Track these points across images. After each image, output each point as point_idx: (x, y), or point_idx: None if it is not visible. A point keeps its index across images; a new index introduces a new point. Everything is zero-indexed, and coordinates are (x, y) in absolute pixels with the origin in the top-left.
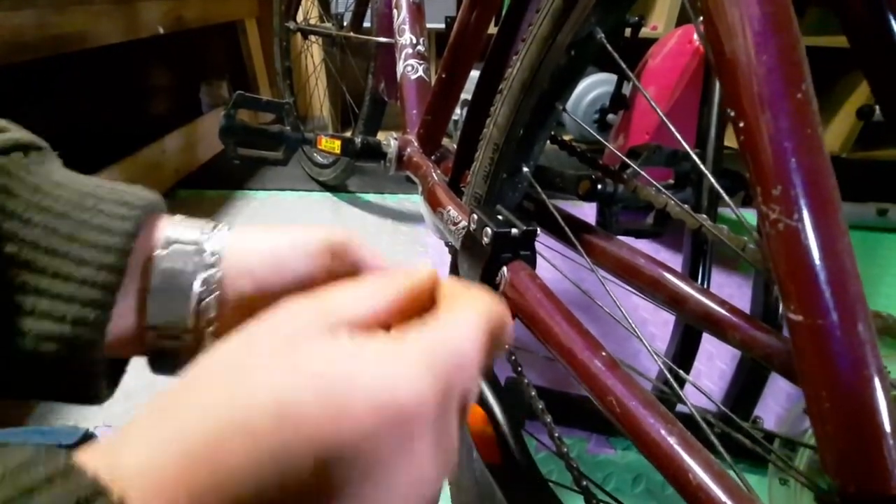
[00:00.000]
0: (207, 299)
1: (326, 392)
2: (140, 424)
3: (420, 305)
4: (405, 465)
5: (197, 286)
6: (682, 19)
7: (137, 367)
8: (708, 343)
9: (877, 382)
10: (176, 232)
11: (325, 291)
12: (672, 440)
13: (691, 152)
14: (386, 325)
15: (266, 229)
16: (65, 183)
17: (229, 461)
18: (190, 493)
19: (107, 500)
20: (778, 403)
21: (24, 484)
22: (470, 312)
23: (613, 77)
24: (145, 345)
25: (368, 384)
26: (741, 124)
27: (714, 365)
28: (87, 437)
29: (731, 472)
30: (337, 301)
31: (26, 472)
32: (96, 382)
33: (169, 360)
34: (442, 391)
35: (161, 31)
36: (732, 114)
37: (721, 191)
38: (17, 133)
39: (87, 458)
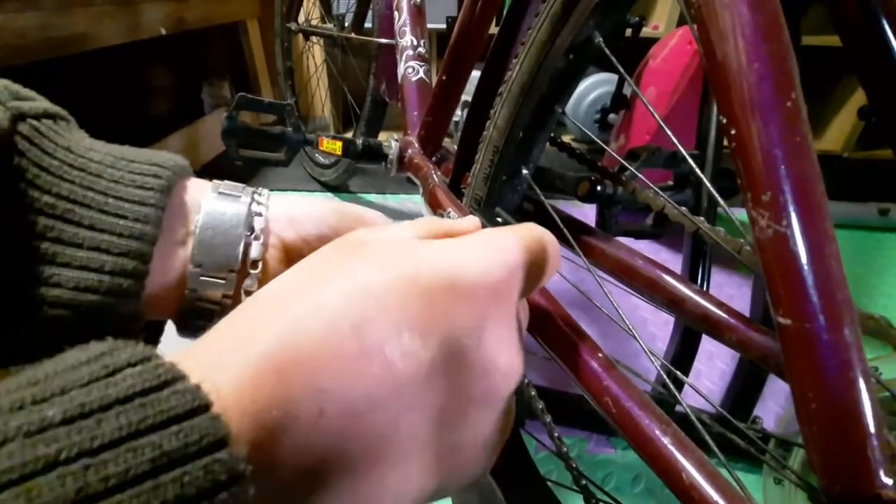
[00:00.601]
0: (253, 242)
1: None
2: (228, 326)
3: None
4: (504, 331)
5: (242, 229)
6: (684, 20)
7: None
8: (708, 343)
9: (862, 384)
10: (219, 186)
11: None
12: (666, 440)
13: (688, 157)
14: None
15: (304, 198)
16: (96, 147)
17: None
18: (280, 379)
19: (187, 382)
20: (777, 404)
21: (107, 365)
22: (508, 230)
23: (615, 77)
24: (181, 304)
25: (474, 264)
26: (733, 131)
27: (714, 365)
28: None
29: (726, 472)
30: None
31: (109, 356)
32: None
33: (199, 322)
34: (504, 275)
35: (163, 32)
36: (724, 120)
37: (717, 196)
38: (46, 103)
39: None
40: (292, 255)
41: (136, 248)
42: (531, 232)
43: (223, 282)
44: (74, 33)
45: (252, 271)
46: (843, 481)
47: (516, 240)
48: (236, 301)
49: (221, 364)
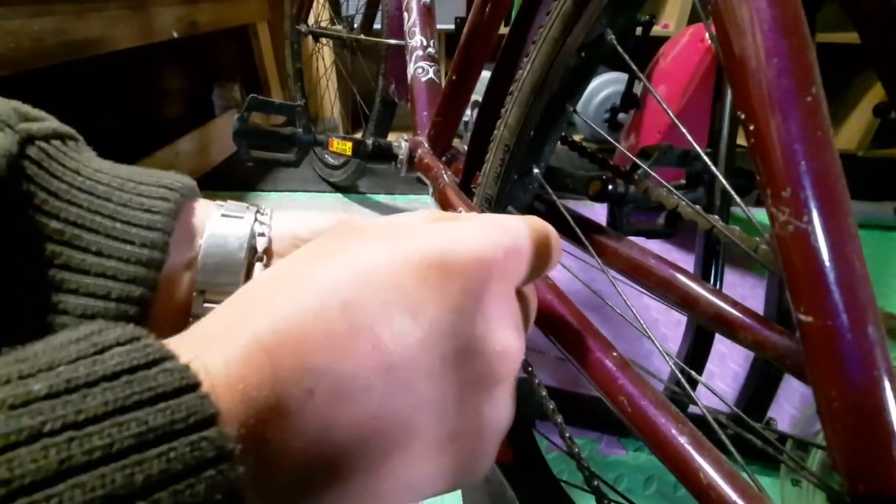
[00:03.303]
0: (256, 264)
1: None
2: (220, 311)
3: None
4: (502, 305)
5: (245, 251)
6: (694, 18)
7: None
8: (721, 344)
9: (886, 383)
10: (223, 207)
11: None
12: (683, 440)
13: (702, 153)
14: None
15: (309, 212)
16: (104, 169)
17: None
18: (277, 362)
19: (175, 362)
20: (792, 405)
21: (96, 343)
22: (512, 216)
23: (624, 76)
24: (185, 327)
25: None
26: (751, 127)
27: (727, 366)
28: None
29: (743, 473)
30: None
31: (98, 335)
32: None
33: None
34: (499, 255)
35: (175, 35)
36: (743, 116)
37: (733, 192)
38: (55, 123)
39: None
40: None
41: (143, 274)
42: (535, 220)
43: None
44: (89, 37)
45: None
46: (868, 481)
47: (519, 222)
48: None
49: (212, 345)
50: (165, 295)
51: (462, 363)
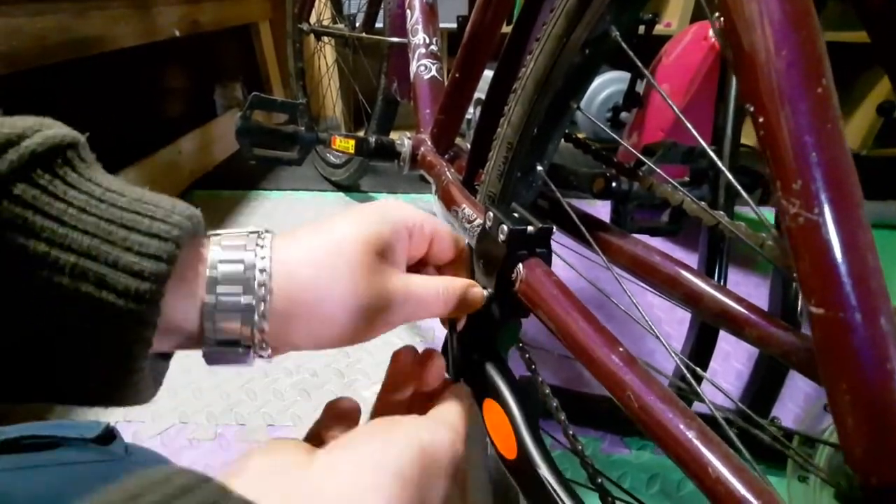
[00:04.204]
0: (260, 323)
1: None
2: None
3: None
4: None
5: (249, 306)
6: (697, 16)
7: None
8: (724, 342)
9: None
10: (221, 254)
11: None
12: (690, 434)
13: (708, 149)
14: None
15: (311, 233)
16: (97, 196)
17: None
18: None
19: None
20: (796, 404)
21: (164, 492)
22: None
23: (626, 75)
24: (203, 347)
25: None
26: (761, 119)
27: (730, 364)
28: (109, 431)
29: (752, 469)
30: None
31: (163, 484)
32: (141, 386)
33: (225, 358)
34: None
35: (177, 34)
36: (751, 109)
37: (739, 187)
38: (62, 129)
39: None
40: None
41: (132, 338)
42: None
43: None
44: (92, 35)
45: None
46: (880, 475)
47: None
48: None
49: None
50: (177, 320)
51: None
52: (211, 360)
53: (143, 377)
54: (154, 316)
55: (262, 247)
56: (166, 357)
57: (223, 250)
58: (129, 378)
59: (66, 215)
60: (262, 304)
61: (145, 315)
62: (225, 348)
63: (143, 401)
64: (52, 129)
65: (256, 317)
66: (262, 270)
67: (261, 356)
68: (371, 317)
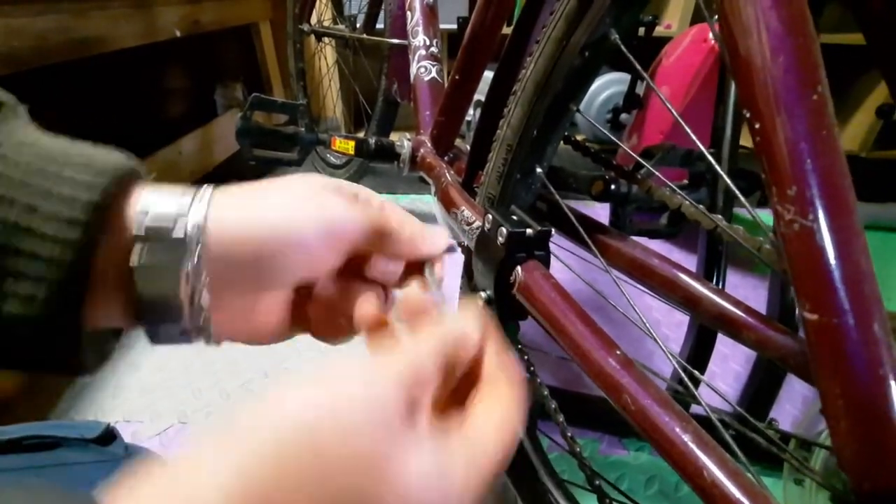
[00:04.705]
0: (195, 281)
1: None
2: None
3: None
4: None
5: (183, 266)
6: (697, 18)
7: (155, 364)
8: (722, 345)
9: (892, 381)
10: (153, 206)
11: (398, 357)
12: (686, 438)
13: (706, 152)
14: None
15: (252, 193)
16: (27, 143)
17: None
18: None
19: None
20: (794, 406)
21: None
22: (511, 416)
23: (626, 76)
24: (139, 318)
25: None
26: (757, 125)
27: (728, 367)
28: (109, 431)
29: (746, 472)
30: (417, 380)
31: None
32: (80, 356)
33: (166, 332)
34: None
35: (178, 34)
36: (748, 115)
37: (737, 191)
38: None
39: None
40: (246, 265)
41: (66, 277)
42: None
43: (173, 316)
44: (92, 35)
45: (201, 296)
46: (873, 479)
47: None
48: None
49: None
50: (108, 288)
51: None
52: (149, 331)
53: (79, 340)
54: (86, 253)
55: (200, 200)
56: (115, 334)
57: (157, 195)
58: (62, 338)
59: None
60: (196, 248)
61: (79, 252)
62: (159, 313)
63: (86, 369)
64: None
65: (188, 264)
66: (196, 227)
67: (199, 329)
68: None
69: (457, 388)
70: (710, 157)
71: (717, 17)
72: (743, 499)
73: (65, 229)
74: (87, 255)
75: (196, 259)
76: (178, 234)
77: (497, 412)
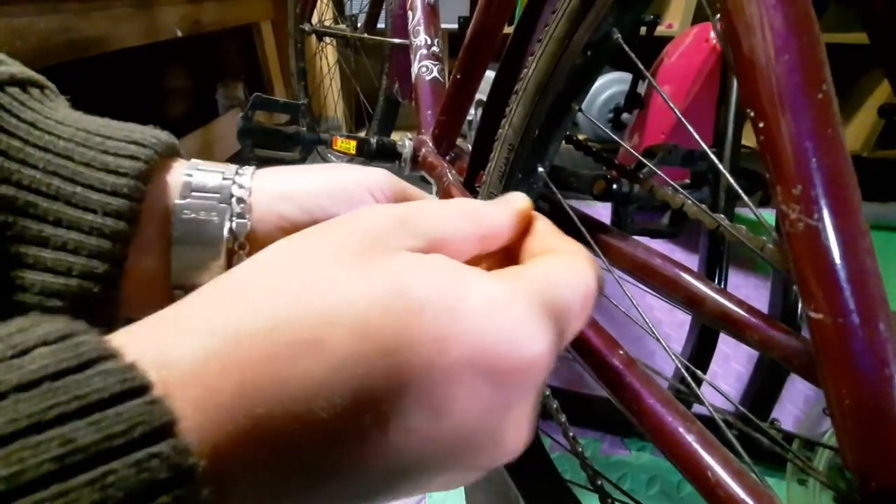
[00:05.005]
0: (238, 252)
1: (428, 314)
2: (188, 308)
3: (506, 239)
4: (480, 432)
5: (224, 237)
6: (698, 18)
7: None
8: (724, 345)
9: None
10: (196, 177)
11: (406, 205)
12: (690, 438)
13: (709, 151)
14: (474, 258)
15: (297, 171)
16: (67, 121)
17: (289, 370)
18: (239, 392)
19: (117, 361)
20: (796, 406)
21: (16, 345)
22: (580, 261)
23: (627, 76)
24: (169, 298)
25: (474, 322)
26: (761, 124)
27: (730, 367)
28: None
29: (751, 472)
30: (424, 215)
31: (20, 334)
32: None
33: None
34: (551, 352)
35: (179, 34)
36: (752, 114)
37: (739, 190)
38: (14, 67)
39: (120, 338)
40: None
41: (107, 248)
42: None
43: (210, 270)
44: (94, 36)
45: (240, 251)
46: (879, 479)
47: (586, 275)
48: None
49: (177, 338)
50: (138, 265)
51: (463, 458)
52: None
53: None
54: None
55: (241, 174)
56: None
57: (201, 164)
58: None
59: (43, 134)
60: (239, 206)
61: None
62: (195, 278)
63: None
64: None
65: (231, 222)
66: (239, 200)
67: (241, 219)
68: None
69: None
70: (713, 156)
71: (719, 15)
72: (748, 499)
73: (109, 198)
74: (129, 227)
75: (237, 216)
76: (222, 192)
77: (566, 261)
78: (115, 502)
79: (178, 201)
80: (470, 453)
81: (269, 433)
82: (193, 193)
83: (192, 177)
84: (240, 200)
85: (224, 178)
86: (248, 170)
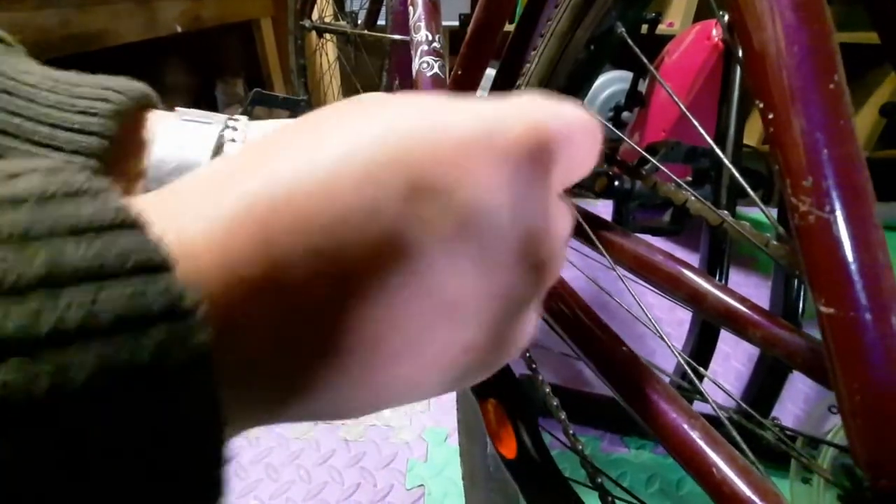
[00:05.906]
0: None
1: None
2: (202, 171)
3: None
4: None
5: (210, 159)
6: (699, 16)
7: None
8: (724, 343)
9: None
10: (186, 113)
11: None
12: (695, 435)
13: (714, 146)
14: None
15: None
16: (33, 70)
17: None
18: (266, 238)
19: (109, 194)
20: (796, 405)
21: (3, 168)
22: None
23: (628, 74)
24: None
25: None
26: (771, 116)
27: (730, 365)
28: None
29: (755, 469)
30: None
31: (8, 164)
32: None
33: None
34: (540, 149)
35: (179, 29)
36: (761, 105)
37: (745, 185)
38: None
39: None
40: None
41: None
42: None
43: None
44: (94, 30)
45: None
46: (891, 477)
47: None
48: None
49: (188, 207)
50: None
51: (503, 271)
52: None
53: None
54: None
55: (235, 120)
56: None
57: (182, 122)
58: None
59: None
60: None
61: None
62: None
63: None
64: None
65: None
66: (231, 141)
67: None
68: None
69: None
70: (718, 151)
71: (724, 11)
72: (754, 497)
73: (76, 138)
74: (95, 166)
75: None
76: (204, 150)
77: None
78: (103, 322)
79: (155, 149)
80: (507, 266)
81: (287, 279)
82: (173, 145)
83: (176, 128)
84: (231, 144)
85: (213, 129)
86: (241, 121)
